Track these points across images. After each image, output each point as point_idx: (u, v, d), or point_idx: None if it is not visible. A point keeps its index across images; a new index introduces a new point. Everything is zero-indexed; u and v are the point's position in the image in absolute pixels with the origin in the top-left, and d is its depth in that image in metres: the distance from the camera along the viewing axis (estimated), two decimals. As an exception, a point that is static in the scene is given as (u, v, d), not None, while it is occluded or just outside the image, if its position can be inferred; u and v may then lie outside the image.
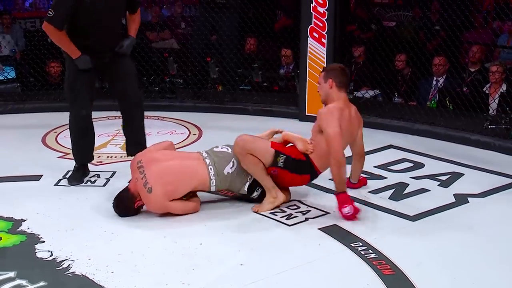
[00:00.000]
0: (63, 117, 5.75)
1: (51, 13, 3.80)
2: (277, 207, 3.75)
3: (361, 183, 4.10)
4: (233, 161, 3.73)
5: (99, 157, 4.62)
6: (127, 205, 3.64)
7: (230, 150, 3.77)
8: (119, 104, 4.23)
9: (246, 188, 3.75)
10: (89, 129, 4.20)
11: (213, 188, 3.73)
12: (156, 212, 3.65)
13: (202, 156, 3.75)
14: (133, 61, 4.28)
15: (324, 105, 3.83)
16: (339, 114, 3.65)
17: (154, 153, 3.75)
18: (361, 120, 3.93)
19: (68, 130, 4.27)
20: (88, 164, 4.31)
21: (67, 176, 4.26)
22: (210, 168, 3.69)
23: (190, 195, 3.72)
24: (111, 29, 4.00)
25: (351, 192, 3.83)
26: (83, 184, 4.16)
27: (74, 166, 4.24)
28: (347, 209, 3.56)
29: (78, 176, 4.21)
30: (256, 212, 3.71)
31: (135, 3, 4.14)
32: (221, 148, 3.81)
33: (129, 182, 3.78)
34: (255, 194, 3.78)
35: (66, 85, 4.10)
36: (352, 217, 3.58)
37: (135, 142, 4.24)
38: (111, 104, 5.73)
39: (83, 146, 4.22)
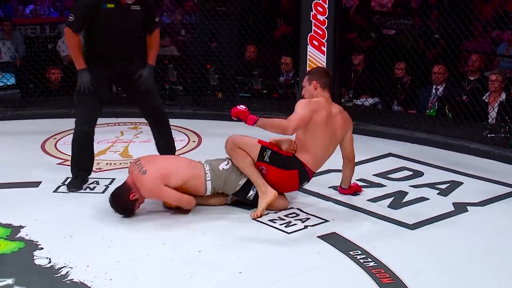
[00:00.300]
0: (63, 124, 5.80)
1: (71, 18, 3.95)
2: (272, 206, 3.75)
3: (353, 189, 4.11)
4: (228, 160, 3.84)
5: (98, 164, 4.61)
6: (122, 197, 3.67)
7: (230, 163, 3.85)
8: (143, 115, 4.36)
9: (241, 183, 3.76)
10: (89, 143, 4.21)
11: (208, 185, 3.75)
12: (150, 196, 3.69)
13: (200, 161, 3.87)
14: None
15: None
16: (315, 106, 3.76)
17: (153, 155, 3.99)
18: (349, 122, 3.97)
19: (69, 136, 4.29)
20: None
21: (66, 182, 4.26)
22: (205, 165, 3.81)
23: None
24: (125, 40, 4.06)
25: (344, 198, 3.95)
26: (82, 191, 4.16)
27: (73, 173, 4.25)
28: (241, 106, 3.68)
29: (77, 183, 4.22)
30: (256, 219, 3.71)
31: (152, 22, 4.15)
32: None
33: None
34: (251, 194, 3.78)
35: (75, 96, 4.18)
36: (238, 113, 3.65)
37: (166, 148, 4.36)
38: (111, 111, 5.75)
39: (81, 156, 4.23)
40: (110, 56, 4.05)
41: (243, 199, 3.82)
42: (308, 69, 5.61)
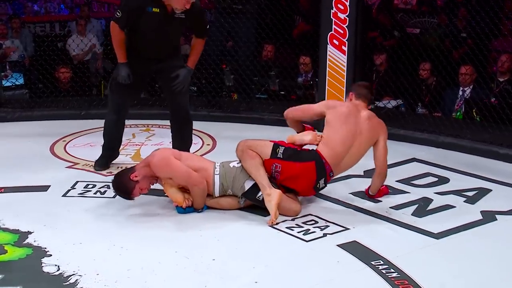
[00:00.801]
0: (72, 125, 5.86)
1: (118, 14, 4.23)
2: (283, 209, 3.78)
3: (382, 193, 4.14)
4: (239, 161, 3.91)
5: (109, 167, 4.66)
6: (122, 175, 3.82)
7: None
8: (170, 116, 4.61)
9: (249, 183, 3.78)
10: (118, 130, 4.62)
11: (216, 180, 3.80)
12: (160, 166, 3.74)
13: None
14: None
15: None
16: (332, 102, 4.06)
17: None
18: (380, 129, 3.97)
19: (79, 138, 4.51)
20: (118, 153, 4.74)
21: (78, 182, 4.35)
22: (216, 162, 3.93)
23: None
24: (164, 44, 4.34)
25: (365, 205, 3.95)
26: (92, 194, 4.19)
27: (102, 152, 4.66)
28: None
29: (103, 162, 4.61)
30: (272, 225, 3.71)
31: (202, 27, 4.41)
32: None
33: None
34: (260, 193, 3.78)
35: (109, 84, 4.54)
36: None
37: None
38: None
39: (109, 139, 4.63)
40: (147, 55, 4.35)
41: (253, 201, 3.83)
42: (328, 70, 5.63)
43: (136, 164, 4.00)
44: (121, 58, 4.33)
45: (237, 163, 3.89)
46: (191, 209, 3.86)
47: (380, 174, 4.00)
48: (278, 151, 3.81)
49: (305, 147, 3.94)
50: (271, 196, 3.73)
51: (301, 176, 3.81)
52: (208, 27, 4.48)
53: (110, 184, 4.33)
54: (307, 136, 3.93)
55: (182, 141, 4.58)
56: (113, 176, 3.93)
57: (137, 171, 3.80)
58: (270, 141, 3.90)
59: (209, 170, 3.85)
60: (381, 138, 3.94)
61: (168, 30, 4.27)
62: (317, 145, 3.88)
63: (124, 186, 3.80)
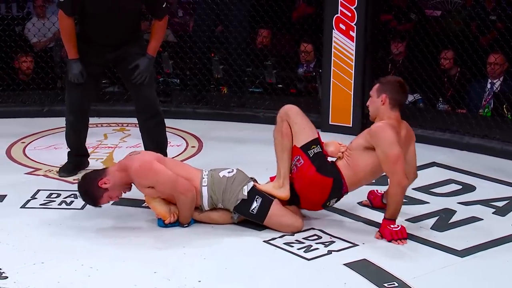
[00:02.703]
0: (33, 124, 5.85)
1: None
2: (282, 224, 3.83)
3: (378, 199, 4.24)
4: (233, 169, 3.91)
5: (77, 173, 4.66)
6: (89, 180, 3.81)
7: (234, 171, 3.92)
8: (135, 111, 4.66)
9: (242, 197, 3.80)
10: (78, 132, 4.66)
11: (204, 192, 3.81)
12: (142, 174, 3.74)
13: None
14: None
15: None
16: (397, 138, 3.79)
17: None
18: (412, 138, 4.03)
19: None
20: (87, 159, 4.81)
21: (40, 191, 4.35)
22: (204, 170, 3.92)
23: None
24: (118, 27, 4.34)
25: (376, 217, 3.95)
26: (56, 206, 4.19)
27: (67, 157, 4.71)
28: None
29: (70, 167, 4.65)
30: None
31: (158, 7, 4.42)
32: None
33: None
34: (254, 206, 3.81)
35: (64, 82, 4.59)
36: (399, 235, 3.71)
37: None
38: (92, 109, 5.76)
39: (72, 142, 4.68)
40: (103, 41, 4.37)
41: (246, 215, 3.85)
42: (333, 59, 5.64)
43: (108, 167, 4.00)
44: (71, 53, 4.37)
45: (228, 172, 3.89)
46: (175, 223, 3.87)
47: (413, 180, 4.05)
48: (313, 148, 3.86)
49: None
50: (281, 189, 3.85)
51: (314, 188, 3.85)
52: (165, 5, 4.47)
53: (77, 194, 4.33)
54: (330, 147, 3.95)
55: (152, 140, 4.61)
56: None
57: (108, 175, 3.79)
58: (317, 131, 3.95)
59: (195, 180, 3.85)
60: (411, 144, 4.00)
61: (120, 10, 4.28)
62: (338, 157, 3.90)
63: (90, 193, 3.81)
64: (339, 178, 3.84)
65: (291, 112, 3.90)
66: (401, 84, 3.96)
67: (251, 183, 3.87)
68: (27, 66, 6.63)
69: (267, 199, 3.83)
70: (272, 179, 4.01)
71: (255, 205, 3.81)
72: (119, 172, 3.80)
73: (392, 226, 3.74)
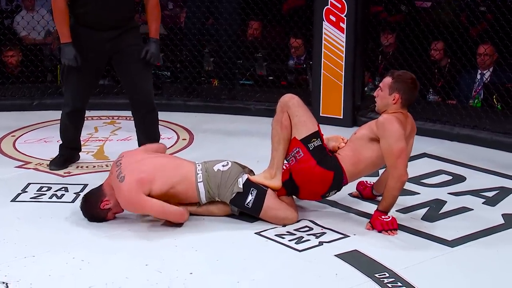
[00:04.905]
0: (23, 118, 5.82)
1: None
2: (276, 217, 3.83)
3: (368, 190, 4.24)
4: (228, 162, 3.90)
5: (67, 166, 4.66)
6: (92, 203, 3.80)
7: (229, 164, 3.90)
8: (131, 104, 4.61)
9: (237, 190, 3.80)
10: (73, 125, 4.64)
11: (201, 187, 3.79)
12: (129, 209, 3.78)
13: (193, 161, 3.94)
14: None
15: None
16: (404, 133, 3.78)
17: (139, 149, 4.14)
18: (414, 130, 4.02)
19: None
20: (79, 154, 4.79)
21: (30, 184, 4.33)
22: (198, 164, 3.88)
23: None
24: (113, 6, 4.29)
25: (367, 208, 3.96)
26: (47, 199, 4.19)
27: (59, 150, 4.69)
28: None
29: (60, 161, 4.62)
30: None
31: None
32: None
33: None
34: (249, 199, 3.80)
35: (61, 74, 4.57)
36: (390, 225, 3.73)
37: None
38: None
39: (65, 135, 4.66)
40: (98, 25, 4.32)
41: (241, 208, 3.85)
42: (323, 50, 5.63)
43: (102, 182, 3.89)
44: (64, 36, 4.32)
45: (223, 166, 3.87)
46: None
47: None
48: (313, 142, 3.82)
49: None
50: (272, 180, 3.84)
51: (314, 181, 3.84)
52: None
53: (68, 187, 4.34)
54: (331, 142, 3.95)
55: (147, 134, 4.57)
56: (81, 199, 3.89)
57: (107, 196, 3.77)
58: (318, 124, 3.91)
59: (189, 179, 3.82)
60: (412, 138, 4.00)
61: None
62: (336, 149, 3.91)
63: (94, 217, 3.83)
64: (339, 171, 3.82)
65: (291, 103, 3.85)
66: (414, 83, 3.88)
67: (245, 176, 3.86)
68: (14, 60, 6.58)
69: (262, 191, 3.82)
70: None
71: (250, 198, 3.81)
72: (114, 193, 3.78)
73: (383, 217, 3.75)
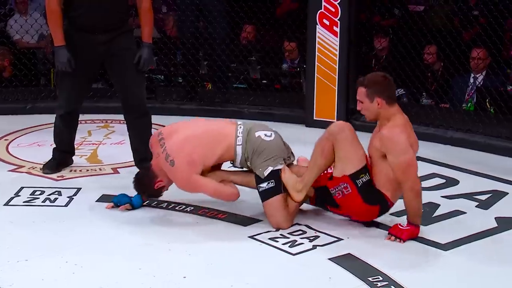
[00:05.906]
0: (16, 121, 5.81)
1: None
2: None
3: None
4: (273, 132, 3.91)
5: (60, 170, 4.65)
6: (145, 183, 3.95)
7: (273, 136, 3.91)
8: (123, 108, 4.61)
9: (266, 173, 3.80)
10: (67, 129, 4.64)
11: (238, 150, 3.84)
12: (185, 190, 3.91)
13: (235, 122, 4.00)
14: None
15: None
16: (407, 134, 3.74)
17: (176, 123, 4.13)
18: (410, 123, 3.97)
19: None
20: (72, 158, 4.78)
21: (23, 188, 4.32)
22: (240, 126, 3.92)
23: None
24: (107, 9, 4.30)
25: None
26: (40, 203, 4.17)
27: (52, 154, 4.69)
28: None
29: (53, 165, 4.62)
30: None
31: None
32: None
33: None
34: (263, 187, 3.80)
35: (55, 77, 4.57)
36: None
37: (139, 159, 4.56)
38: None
39: (59, 138, 4.66)
40: (91, 28, 4.32)
41: (255, 186, 3.88)
42: (317, 54, 5.64)
43: (151, 165, 3.97)
44: (58, 39, 4.33)
45: (265, 135, 3.87)
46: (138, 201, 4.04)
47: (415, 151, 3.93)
48: (362, 177, 3.76)
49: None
50: (297, 194, 3.82)
51: (362, 215, 3.86)
52: None
53: (61, 191, 4.33)
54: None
55: (140, 137, 4.53)
56: (134, 182, 3.97)
57: (159, 177, 3.91)
58: (366, 157, 3.80)
59: (230, 142, 3.87)
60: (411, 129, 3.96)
61: None
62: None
63: (154, 195, 4.01)
64: (384, 202, 3.81)
65: (340, 136, 3.73)
66: (386, 78, 3.83)
67: (279, 167, 3.82)
68: (2, 65, 6.59)
69: (277, 189, 3.82)
70: (301, 160, 4.03)
71: (264, 185, 3.82)
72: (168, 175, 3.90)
73: (403, 226, 3.74)
